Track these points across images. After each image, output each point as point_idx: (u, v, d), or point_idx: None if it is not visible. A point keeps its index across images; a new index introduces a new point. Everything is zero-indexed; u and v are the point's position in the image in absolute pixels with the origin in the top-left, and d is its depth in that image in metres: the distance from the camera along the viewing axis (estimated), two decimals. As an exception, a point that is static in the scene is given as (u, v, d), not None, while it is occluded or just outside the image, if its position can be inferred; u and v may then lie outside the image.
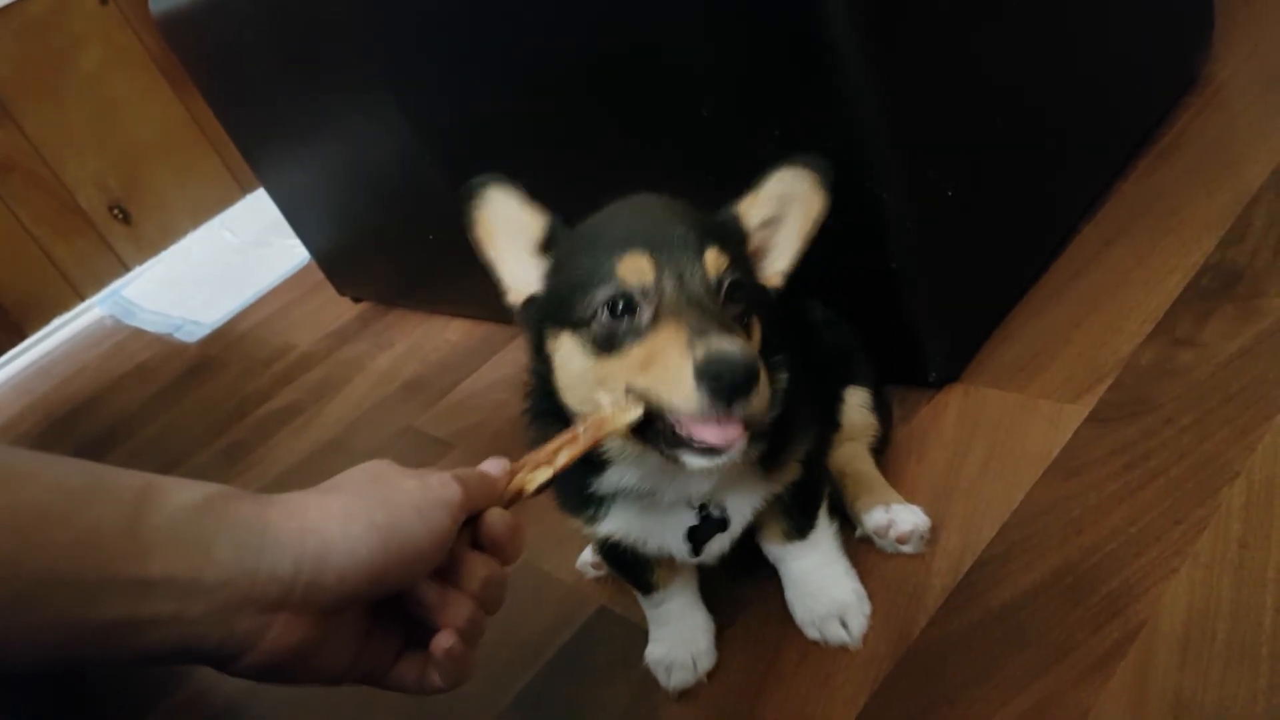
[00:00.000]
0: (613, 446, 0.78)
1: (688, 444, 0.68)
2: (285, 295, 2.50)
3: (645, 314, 0.71)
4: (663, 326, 0.69)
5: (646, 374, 0.68)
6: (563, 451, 0.69)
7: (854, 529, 1.01)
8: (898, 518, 0.97)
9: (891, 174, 1.01)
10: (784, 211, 0.82)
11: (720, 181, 1.11)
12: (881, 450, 1.08)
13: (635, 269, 0.71)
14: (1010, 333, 1.20)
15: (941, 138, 1.06)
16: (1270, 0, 1.64)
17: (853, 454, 1.04)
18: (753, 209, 0.82)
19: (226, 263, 2.92)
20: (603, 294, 0.71)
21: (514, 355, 1.69)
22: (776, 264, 0.83)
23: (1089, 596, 0.84)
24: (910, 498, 1.00)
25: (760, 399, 0.66)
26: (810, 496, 0.93)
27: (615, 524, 0.86)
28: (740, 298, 0.74)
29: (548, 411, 0.80)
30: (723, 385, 0.64)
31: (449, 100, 1.41)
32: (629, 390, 0.69)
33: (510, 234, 0.82)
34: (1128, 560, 0.86)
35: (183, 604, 0.51)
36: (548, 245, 0.81)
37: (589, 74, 1.17)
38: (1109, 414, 1.02)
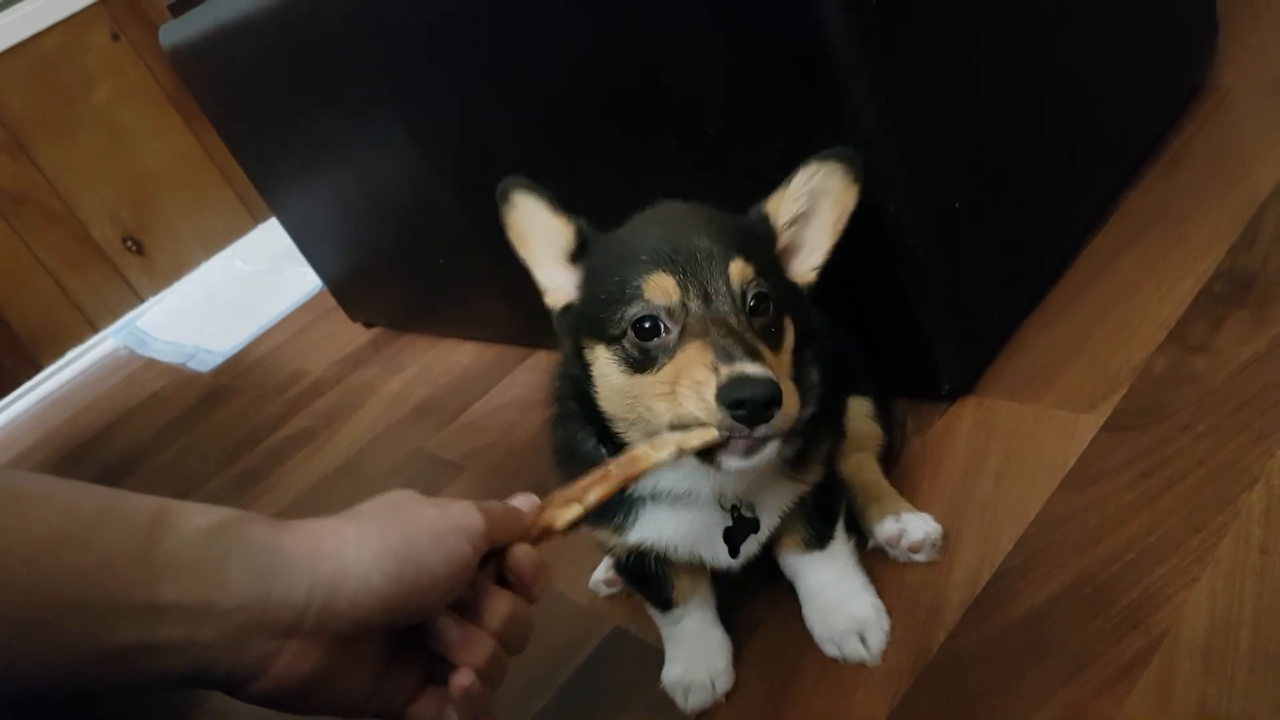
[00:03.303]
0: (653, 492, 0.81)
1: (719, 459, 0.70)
2: (297, 322, 2.51)
3: (673, 333, 0.73)
4: (688, 346, 0.71)
5: (674, 394, 0.70)
6: (594, 489, 0.68)
7: (868, 544, 1.00)
8: (909, 526, 0.96)
9: (898, 187, 1.00)
10: (814, 206, 0.83)
11: (727, 196, 1.12)
12: (888, 460, 1.07)
13: (661, 289, 0.73)
14: (1023, 343, 1.19)
15: (948, 150, 1.06)
16: (1274, 8, 1.64)
17: (860, 464, 1.04)
18: (782, 206, 0.83)
19: (239, 292, 2.94)
20: (631, 313, 0.73)
21: (524, 377, 1.69)
22: (809, 260, 0.84)
23: (1109, 606, 0.83)
24: (926, 510, 0.99)
25: (784, 417, 0.68)
26: (830, 501, 0.93)
27: (645, 531, 0.86)
28: (767, 308, 0.75)
29: (583, 417, 0.82)
30: (744, 405, 0.66)
31: (457, 125, 1.42)
32: (653, 409, 0.71)
33: (542, 240, 0.84)
34: (1147, 569, 0.85)
35: (194, 629, 0.51)
36: (579, 254, 0.83)
37: (595, 96, 1.17)
38: (1124, 422, 1.01)
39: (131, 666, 0.50)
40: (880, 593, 0.94)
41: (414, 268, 1.83)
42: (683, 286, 0.73)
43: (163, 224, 3.18)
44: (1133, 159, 1.40)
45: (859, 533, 1.00)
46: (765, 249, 0.80)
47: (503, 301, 1.64)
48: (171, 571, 0.51)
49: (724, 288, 0.73)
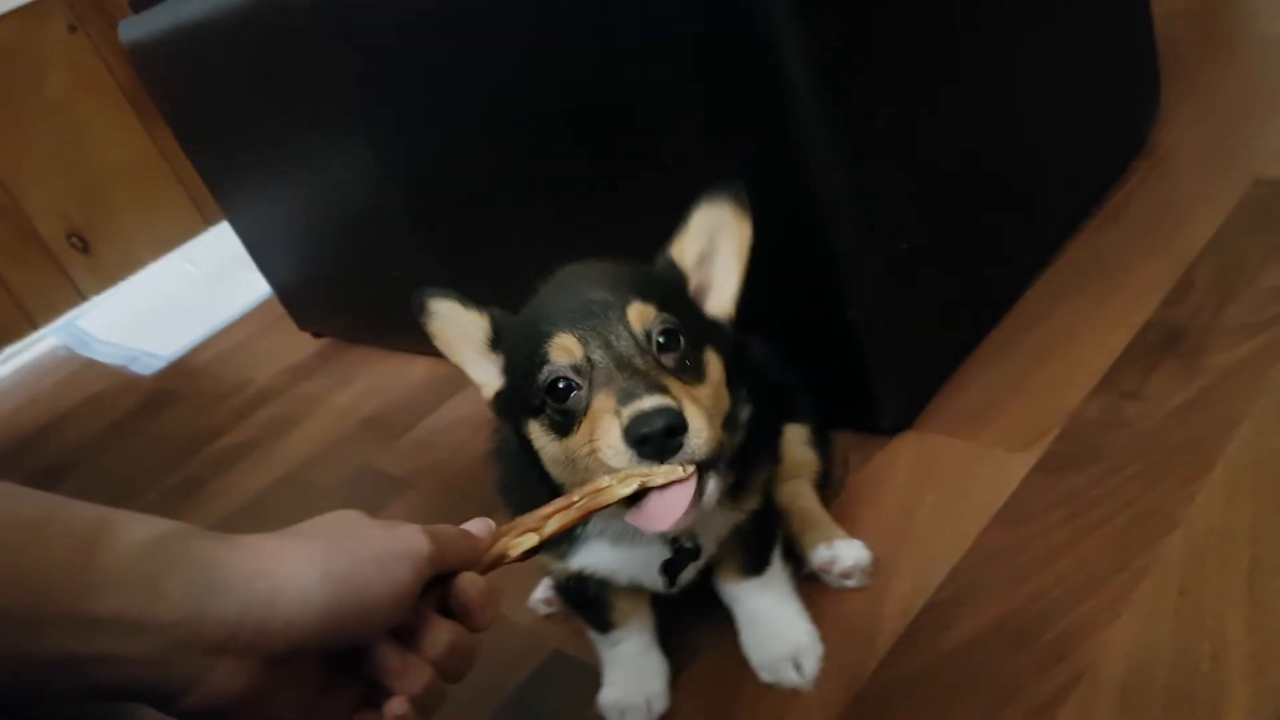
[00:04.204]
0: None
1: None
2: (245, 329, 2.48)
3: (584, 389, 0.73)
4: (595, 398, 0.72)
5: (592, 447, 0.70)
6: (553, 519, 0.68)
7: (803, 569, 1.02)
8: (840, 553, 0.99)
9: (848, 228, 1.04)
10: (715, 243, 0.84)
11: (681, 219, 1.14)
12: (827, 490, 1.10)
13: (563, 348, 0.74)
14: (963, 382, 1.23)
15: (898, 194, 1.10)
16: (1212, 71, 1.71)
17: (796, 491, 1.06)
18: (685, 248, 0.85)
19: (186, 295, 2.89)
20: (542, 378, 0.74)
21: (476, 393, 1.67)
22: (723, 294, 0.85)
23: (1034, 641, 0.86)
24: (864, 540, 1.01)
25: (698, 440, 0.68)
26: (767, 528, 0.95)
27: (588, 558, 0.87)
28: (677, 343, 0.75)
29: (528, 491, 0.82)
30: (648, 436, 0.67)
31: (419, 138, 1.43)
32: (590, 470, 0.71)
33: (463, 338, 0.85)
34: (1071, 606, 0.88)
35: (125, 643, 0.50)
36: (496, 342, 0.84)
37: (556, 120, 1.19)
38: (1056, 463, 1.05)
39: (59, 677, 0.49)
40: (815, 620, 0.96)
41: (367, 279, 1.82)
42: (583, 341, 0.74)
43: (112, 222, 3.12)
44: (1076, 211, 1.45)
45: (795, 559, 1.02)
46: (672, 290, 0.81)
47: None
48: (108, 584, 0.50)
49: (625, 332, 0.74)
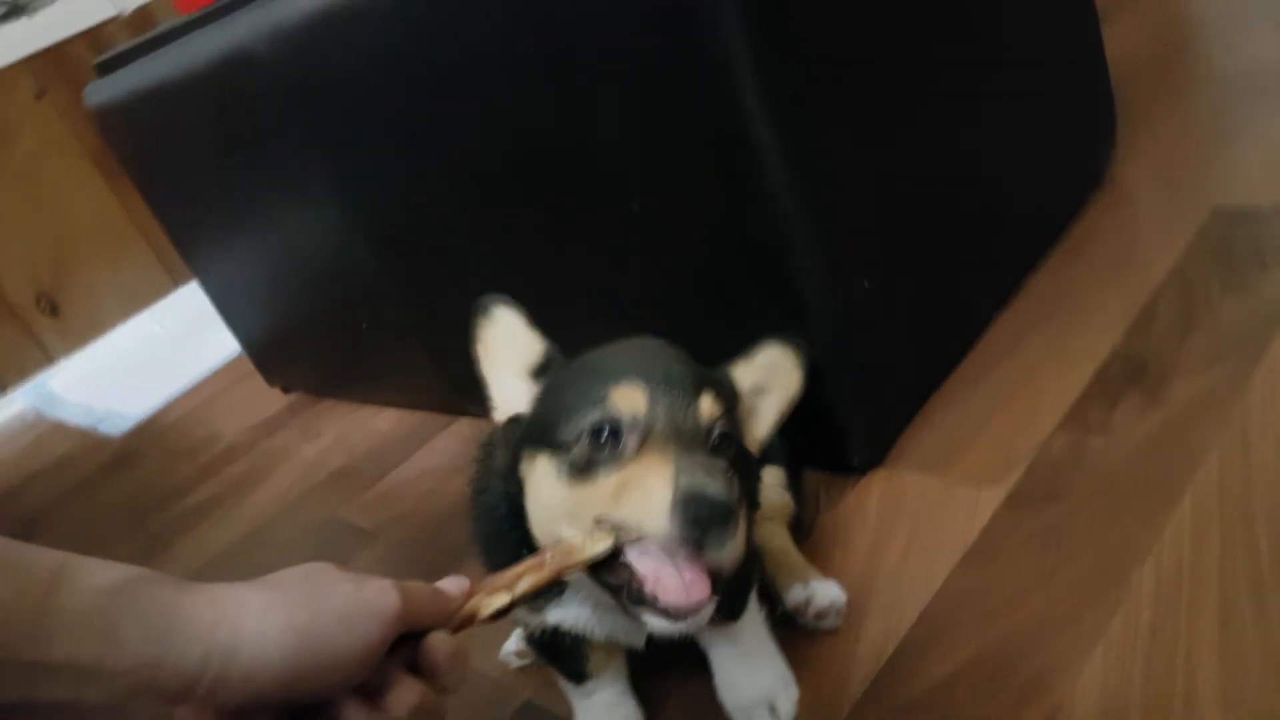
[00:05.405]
0: (575, 579, 0.77)
1: (651, 604, 0.66)
2: (213, 387, 2.46)
3: (631, 443, 0.70)
4: (647, 454, 0.68)
5: (620, 500, 0.67)
6: (525, 578, 0.66)
7: (777, 611, 1.00)
8: (815, 594, 0.98)
9: (810, 268, 1.04)
10: (770, 382, 0.86)
11: (651, 273, 1.15)
12: (800, 531, 1.09)
13: (628, 398, 0.71)
14: (931, 418, 1.23)
15: (860, 234, 1.11)
16: (1167, 106, 1.75)
17: (770, 533, 1.05)
18: (746, 374, 0.85)
19: (154, 354, 2.87)
20: (590, 418, 0.71)
21: (445, 444, 1.67)
22: (758, 430, 0.86)
23: (1009, 679, 0.85)
24: (834, 580, 1.00)
25: (734, 549, 0.66)
26: (745, 574, 0.92)
27: (565, 614, 0.85)
28: (729, 450, 0.74)
29: (504, 544, 0.79)
30: (701, 520, 0.63)
31: (382, 191, 1.43)
32: (599, 521, 0.68)
33: (508, 354, 0.84)
34: (1044, 643, 0.87)
35: (80, 689, 0.49)
36: (541, 370, 0.83)
37: (519, 169, 1.20)
38: (1024, 499, 1.05)
39: None
40: (790, 663, 0.94)
41: (335, 332, 1.82)
42: (651, 401, 0.71)
43: (80, 284, 3.10)
44: (1037, 246, 1.46)
45: (770, 601, 1.00)
46: (731, 400, 0.80)
47: (425, 367, 1.64)
48: (64, 630, 0.49)
49: (693, 413, 0.71)
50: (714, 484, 0.64)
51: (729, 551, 0.65)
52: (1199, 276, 1.28)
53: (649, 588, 0.66)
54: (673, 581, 0.65)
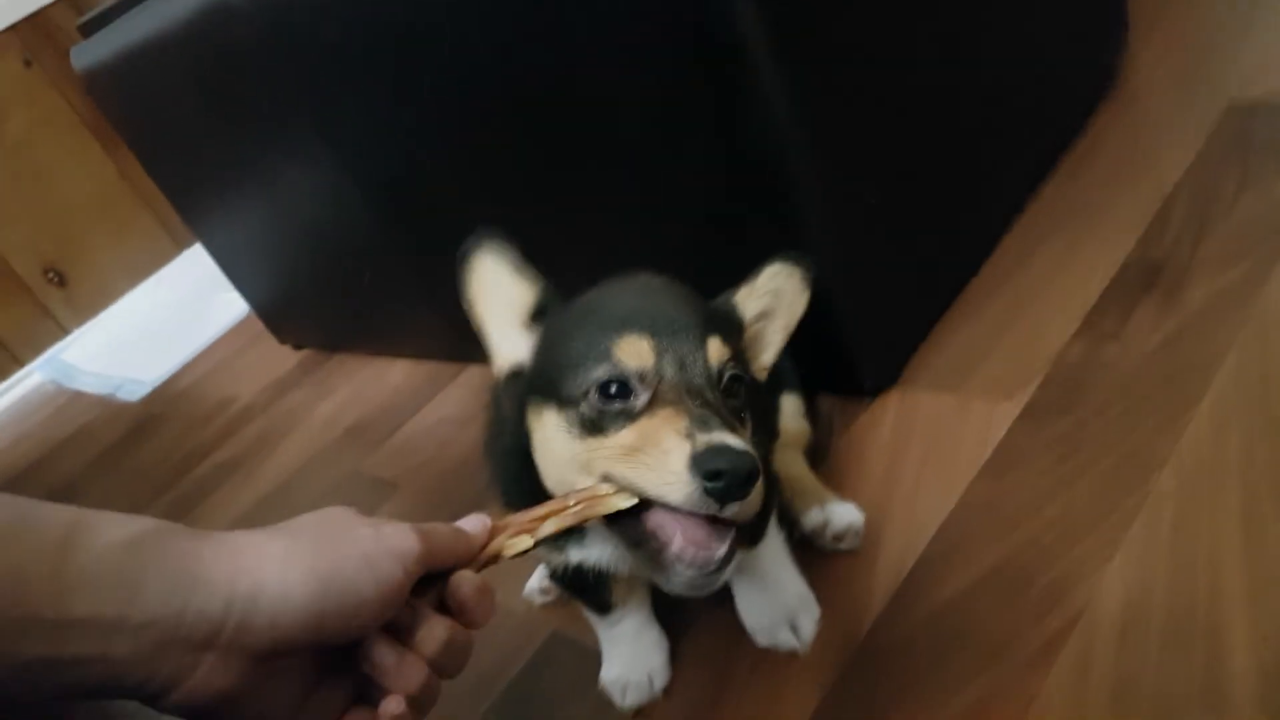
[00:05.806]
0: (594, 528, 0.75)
1: (671, 565, 0.64)
2: (226, 348, 2.46)
3: (640, 398, 0.68)
4: (659, 412, 0.66)
5: (634, 460, 0.64)
6: (549, 521, 0.65)
7: (795, 534, 1.00)
8: (832, 516, 0.98)
9: (811, 184, 1.02)
10: (775, 306, 0.83)
11: (646, 202, 1.13)
12: (816, 455, 1.08)
13: (634, 351, 0.69)
14: (943, 336, 1.21)
15: (862, 144, 1.07)
16: (1179, 6, 1.69)
17: (788, 459, 1.05)
18: (749, 300, 0.83)
19: (165, 319, 2.88)
20: (597, 374, 0.68)
21: (457, 393, 1.67)
22: (764, 358, 0.84)
23: (1028, 589, 0.85)
24: (851, 501, 1.00)
25: (753, 502, 0.63)
26: (765, 501, 0.92)
27: (588, 551, 0.84)
28: (739, 391, 0.72)
29: (521, 488, 0.78)
30: (720, 480, 0.60)
31: (376, 140, 1.41)
32: (607, 478, 0.66)
33: (500, 301, 0.80)
34: (1063, 551, 0.87)
35: (107, 644, 0.49)
36: (538, 317, 0.79)
37: (513, 107, 1.17)
38: (1040, 410, 1.04)
39: (39, 679, 0.49)
40: (810, 583, 0.94)
41: (341, 287, 1.81)
42: (658, 352, 0.69)
43: (85, 254, 3.10)
44: (1048, 153, 1.43)
45: (789, 524, 1.00)
46: (736, 336, 0.79)
47: (432, 317, 1.63)
48: (83, 587, 0.49)
49: (701, 361, 0.69)
50: (734, 441, 0.62)
51: (749, 504, 0.63)
52: (1214, 176, 1.25)
53: (671, 549, 0.64)
54: (693, 549, 0.63)
